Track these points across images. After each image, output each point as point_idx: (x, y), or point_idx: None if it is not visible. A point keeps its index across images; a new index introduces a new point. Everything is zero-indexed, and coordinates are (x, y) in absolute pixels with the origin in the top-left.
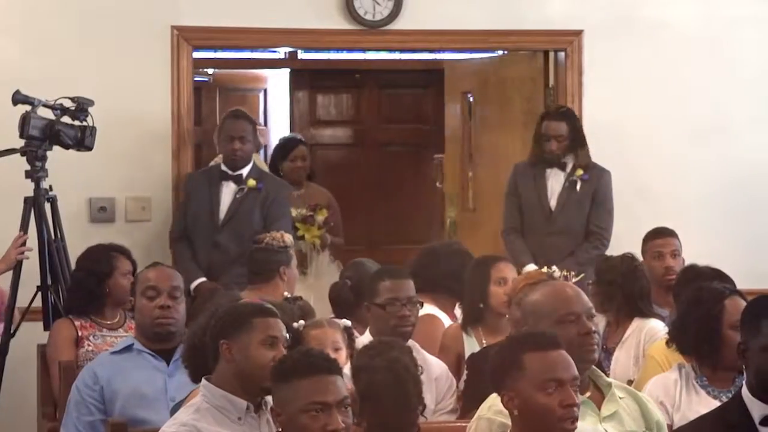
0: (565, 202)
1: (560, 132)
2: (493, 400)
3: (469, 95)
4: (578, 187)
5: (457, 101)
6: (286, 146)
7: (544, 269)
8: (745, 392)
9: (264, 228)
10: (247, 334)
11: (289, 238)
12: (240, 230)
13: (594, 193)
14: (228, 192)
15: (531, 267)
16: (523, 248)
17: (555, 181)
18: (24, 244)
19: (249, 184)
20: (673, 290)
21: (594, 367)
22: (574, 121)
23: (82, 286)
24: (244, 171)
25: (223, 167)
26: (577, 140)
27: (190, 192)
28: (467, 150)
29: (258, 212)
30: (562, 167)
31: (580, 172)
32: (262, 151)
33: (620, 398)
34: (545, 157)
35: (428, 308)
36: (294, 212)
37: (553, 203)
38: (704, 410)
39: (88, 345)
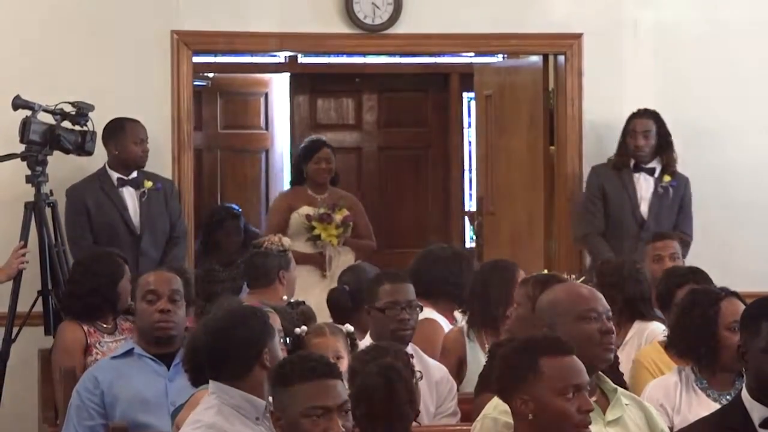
0: (657, 209)
1: (648, 128)
2: (499, 400)
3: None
4: (670, 194)
5: (482, 104)
6: (310, 148)
7: (545, 271)
8: (745, 395)
9: (169, 225)
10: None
11: (287, 241)
12: (156, 234)
13: (681, 201)
14: (130, 197)
15: None
16: (611, 254)
17: (644, 187)
18: (24, 254)
19: (147, 185)
20: (655, 292)
21: (600, 372)
22: (661, 122)
23: (98, 291)
24: (135, 174)
25: (114, 173)
26: (664, 143)
27: (86, 204)
28: (490, 153)
29: (165, 212)
30: (650, 172)
31: (668, 178)
32: (263, 155)
33: (625, 405)
34: (637, 155)
35: (427, 312)
36: (311, 211)
37: (644, 209)
38: (704, 413)
39: (96, 353)
